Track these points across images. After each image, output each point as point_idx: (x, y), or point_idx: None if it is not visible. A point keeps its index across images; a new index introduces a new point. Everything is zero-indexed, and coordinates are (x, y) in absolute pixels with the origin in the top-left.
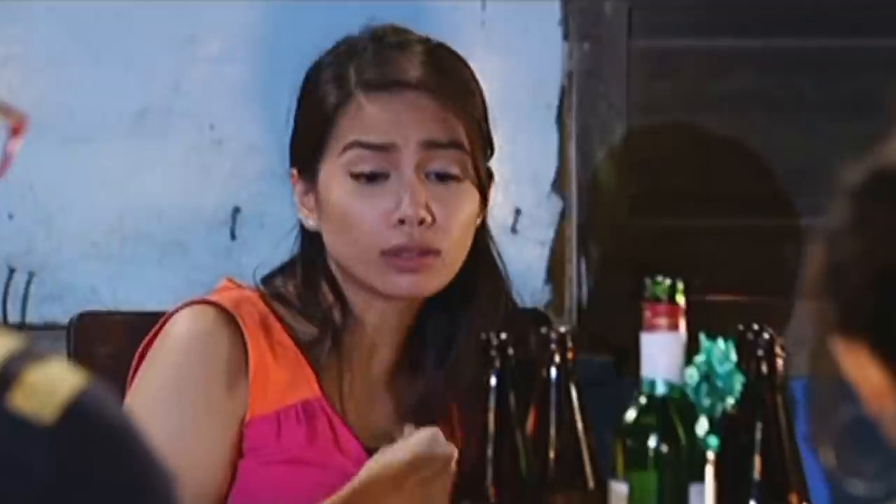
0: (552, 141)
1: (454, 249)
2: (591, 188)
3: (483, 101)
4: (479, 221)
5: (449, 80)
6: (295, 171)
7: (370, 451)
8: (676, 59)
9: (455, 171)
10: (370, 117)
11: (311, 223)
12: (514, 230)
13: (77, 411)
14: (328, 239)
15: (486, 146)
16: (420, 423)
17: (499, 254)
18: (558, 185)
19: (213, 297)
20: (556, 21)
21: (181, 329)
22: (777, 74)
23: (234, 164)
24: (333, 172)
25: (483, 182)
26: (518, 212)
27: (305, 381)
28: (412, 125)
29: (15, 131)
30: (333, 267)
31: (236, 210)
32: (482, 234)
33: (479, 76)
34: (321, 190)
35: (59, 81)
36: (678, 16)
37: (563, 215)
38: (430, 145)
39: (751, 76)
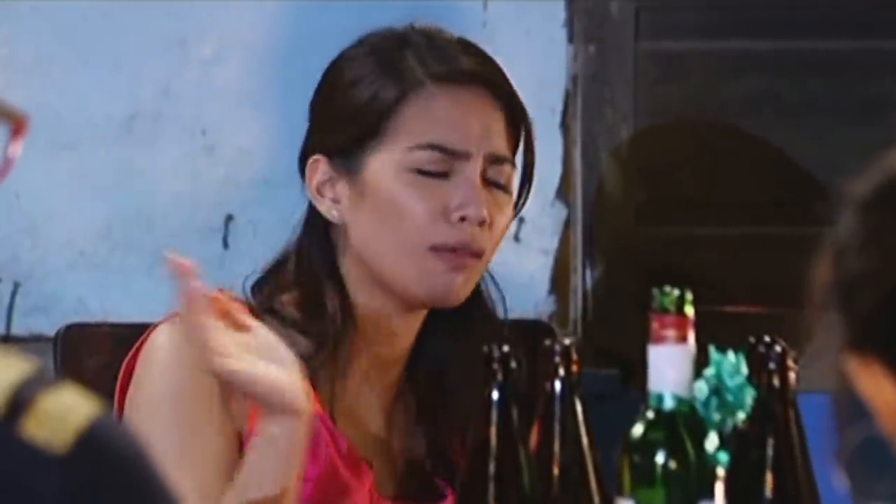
0: (556, 147)
1: (490, 255)
2: (597, 195)
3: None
4: None
5: (508, 82)
6: (320, 157)
7: (370, 464)
8: (685, 62)
9: (506, 182)
10: (445, 112)
11: (335, 213)
12: (517, 239)
13: (90, 440)
14: (362, 230)
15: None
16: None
17: (491, 276)
18: (562, 192)
19: None
20: (561, 22)
21: (168, 344)
22: (788, 77)
23: (227, 170)
24: (391, 162)
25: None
26: (521, 220)
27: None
28: (482, 132)
29: (16, 132)
30: (347, 270)
31: (229, 218)
32: None
33: None
34: (369, 179)
35: (44, 85)
36: (686, 17)
37: (568, 223)
38: (495, 159)
39: (761, 79)
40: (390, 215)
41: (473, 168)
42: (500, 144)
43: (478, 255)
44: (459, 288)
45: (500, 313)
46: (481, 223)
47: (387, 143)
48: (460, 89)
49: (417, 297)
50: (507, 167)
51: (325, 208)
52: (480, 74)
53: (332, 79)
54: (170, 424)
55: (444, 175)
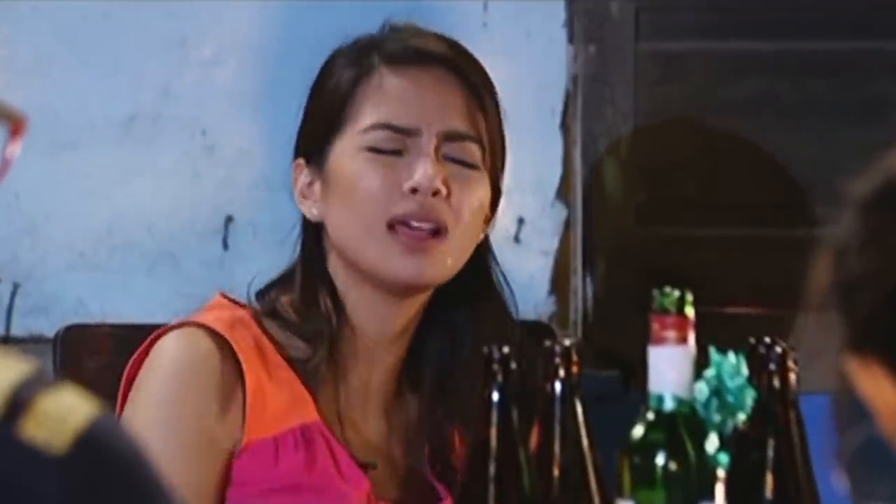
0: (556, 147)
1: (460, 235)
2: (597, 196)
3: (501, 110)
4: (482, 235)
5: (474, 67)
6: (302, 161)
7: (366, 468)
8: (685, 63)
9: (472, 160)
10: (395, 91)
11: (314, 212)
12: (517, 240)
13: (89, 441)
14: (333, 219)
15: (503, 150)
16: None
17: (504, 276)
18: (562, 192)
19: (206, 320)
20: (561, 23)
21: (172, 354)
22: (789, 78)
23: (227, 171)
24: (348, 147)
25: (498, 181)
26: (521, 221)
27: (303, 403)
28: (436, 110)
29: (14, 133)
30: (334, 268)
31: (229, 219)
32: (485, 253)
33: None
34: (332, 167)
35: (44, 85)
36: (687, 17)
37: (568, 224)
38: (452, 136)
39: (762, 80)
40: (350, 195)
41: (425, 143)
42: (459, 122)
43: (437, 230)
44: (425, 269)
45: (515, 315)
46: (434, 193)
47: (345, 131)
48: (415, 70)
49: (387, 279)
50: (470, 145)
51: (307, 209)
52: (436, 55)
53: (312, 85)
54: (162, 432)
55: (398, 153)
